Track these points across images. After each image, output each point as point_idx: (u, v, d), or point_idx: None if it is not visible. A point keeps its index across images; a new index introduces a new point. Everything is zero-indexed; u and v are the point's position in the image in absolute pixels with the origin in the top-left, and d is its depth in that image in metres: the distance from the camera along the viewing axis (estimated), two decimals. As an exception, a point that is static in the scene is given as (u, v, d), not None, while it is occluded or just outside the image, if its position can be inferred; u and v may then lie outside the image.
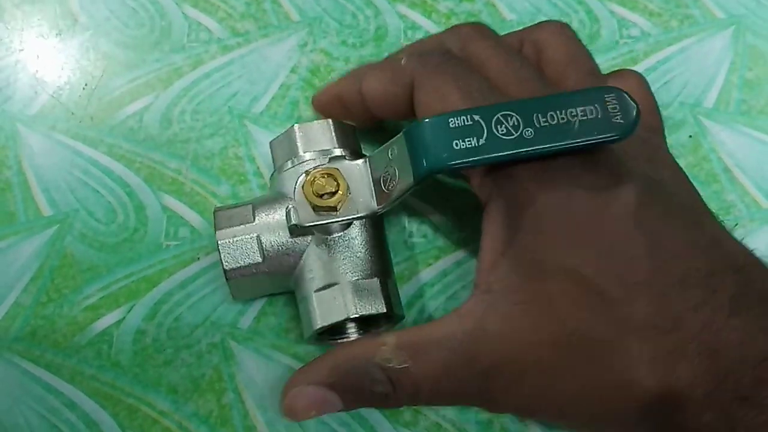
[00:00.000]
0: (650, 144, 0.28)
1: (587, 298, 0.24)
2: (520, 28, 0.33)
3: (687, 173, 0.34)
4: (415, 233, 0.34)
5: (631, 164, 0.26)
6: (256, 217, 0.29)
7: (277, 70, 0.37)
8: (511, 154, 0.24)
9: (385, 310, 0.28)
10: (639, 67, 0.37)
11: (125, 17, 0.38)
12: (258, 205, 0.29)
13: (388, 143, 0.27)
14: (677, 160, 0.34)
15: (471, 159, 0.24)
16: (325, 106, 0.34)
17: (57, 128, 0.35)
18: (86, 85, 0.37)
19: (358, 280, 0.28)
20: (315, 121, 0.31)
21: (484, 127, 0.24)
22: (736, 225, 0.33)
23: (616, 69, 0.32)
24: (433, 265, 0.33)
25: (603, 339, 0.23)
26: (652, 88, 0.36)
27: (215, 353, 0.31)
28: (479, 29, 0.31)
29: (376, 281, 0.28)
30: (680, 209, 0.26)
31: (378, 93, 0.30)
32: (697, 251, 0.24)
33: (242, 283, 0.29)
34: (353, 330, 0.31)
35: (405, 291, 0.32)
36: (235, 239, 0.29)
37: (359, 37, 0.38)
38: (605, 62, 0.37)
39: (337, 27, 0.38)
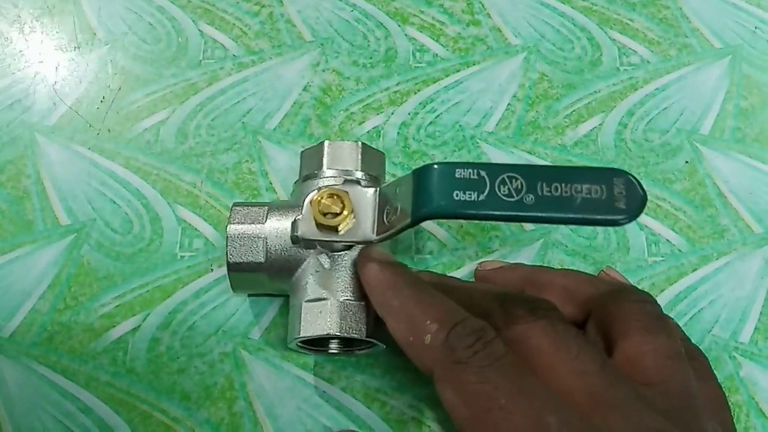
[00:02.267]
0: None
1: None
2: (525, 52, 0.34)
3: (682, 198, 0.36)
4: (423, 250, 0.35)
5: None
6: (268, 220, 0.30)
7: (290, 88, 0.38)
8: (507, 215, 0.25)
9: (364, 336, 0.29)
10: (638, 94, 0.38)
11: (143, 32, 0.39)
12: (273, 208, 0.31)
13: (399, 179, 0.28)
14: (673, 185, 0.36)
15: (468, 212, 0.25)
16: None
17: (75, 139, 0.36)
18: (104, 98, 0.38)
19: (347, 300, 0.29)
20: (346, 141, 0.32)
21: (488, 184, 0.25)
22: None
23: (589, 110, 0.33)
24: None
25: None
26: (652, 115, 0.37)
27: (227, 362, 0.32)
28: (532, 307, 0.27)
29: (363, 305, 0.29)
30: None
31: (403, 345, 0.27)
32: None
33: (242, 278, 0.30)
34: (334, 345, 0.32)
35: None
36: (243, 236, 0.30)
37: (370, 58, 0.39)
38: (606, 88, 0.38)
39: (348, 48, 0.39)
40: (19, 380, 0.32)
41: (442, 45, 0.39)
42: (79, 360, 0.32)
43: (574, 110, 0.38)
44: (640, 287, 0.34)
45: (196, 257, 0.34)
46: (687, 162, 0.37)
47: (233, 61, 0.39)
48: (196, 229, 0.35)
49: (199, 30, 0.39)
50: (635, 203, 0.24)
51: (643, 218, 0.35)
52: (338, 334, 0.28)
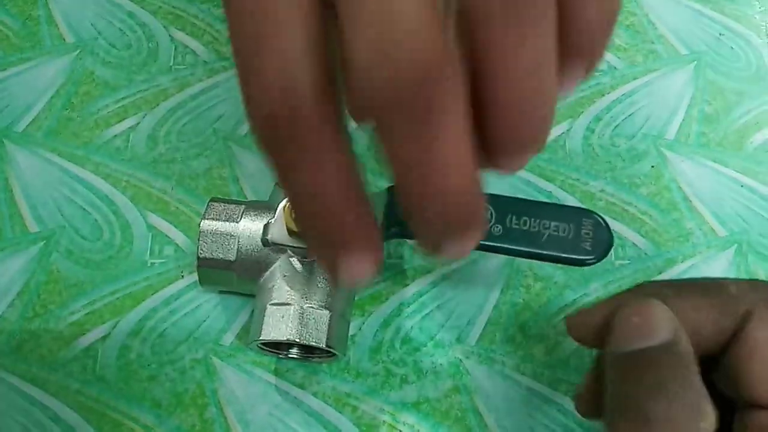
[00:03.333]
0: None
1: None
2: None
3: (648, 202, 0.36)
4: (393, 254, 0.35)
5: None
6: (243, 220, 0.30)
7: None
8: None
9: (324, 345, 0.29)
10: (605, 100, 0.39)
11: (112, 38, 0.39)
12: (249, 208, 0.31)
13: (375, 193, 0.28)
14: (639, 189, 0.36)
15: None
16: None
17: (44, 146, 0.36)
18: (73, 103, 0.37)
19: (311, 308, 0.29)
20: None
21: None
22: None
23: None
24: (408, 286, 0.34)
25: None
26: (619, 120, 0.38)
27: (198, 369, 0.32)
28: None
29: (326, 314, 0.29)
30: None
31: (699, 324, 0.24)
32: None
33: (210, 274, 0.31)
34: (295, 351, 0.32)
35: (383, 311, 0.34)
36: (216, 232, 0.30)
37: (341, 64, 0.39)
38: (573, 94, 0.39)
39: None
40: (-12, 389, 0.31)
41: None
42: (49, 368, 0.32)
43: (542, 116, 0.38)
44: (607, 290, 0.34)
45: (166, 264, 0.34)
46: (653, 167, 0.37)
47: (204, 67, 0.39)
48: (166, 235, 0.35)
49: (170, 35, 0.39)
50: (602, 246, 0.25)
51: (610, 222, 0.36)
52: (297, 340, 0.28)
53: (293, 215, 0.29)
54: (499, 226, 0.25)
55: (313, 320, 0.29)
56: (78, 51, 0.39)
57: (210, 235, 0.30)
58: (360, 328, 0.33)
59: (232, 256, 0.30)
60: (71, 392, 0.32)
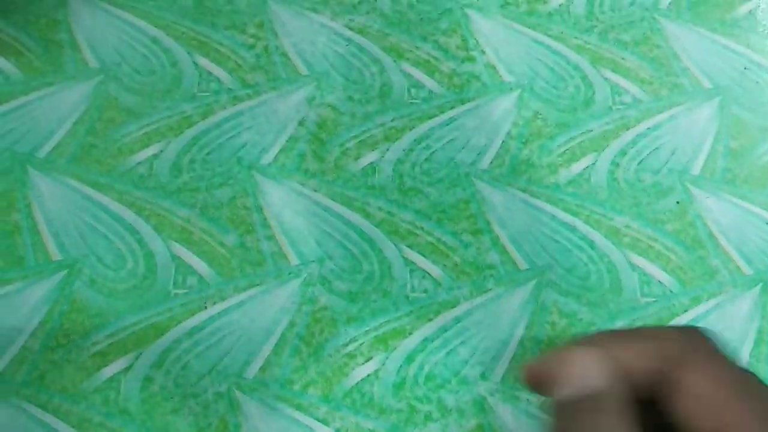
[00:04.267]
0: None
1: None
2: (518, 89, 0.34)
3: (674, 238, 0.36)
4: (417, 288, 0.35)
5: None
6: None
7: (285, 123, 0.38)
8: None
9: None
10: (630, 133, 0.39)
11: (136, 64, 0.39)
12: None
13: None
14: (665, 225, 0.36)
15: None
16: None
17: (67, 172, 0.36)
18: (96, 129, 0.37)
19: None
20: None
21: None
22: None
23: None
24: (433, 321, 0.34)
25: None
26: (644, 154, 0.38)
27: (221, 403, 0.32)
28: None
29: None
30: None
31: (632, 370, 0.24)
32: None
33: None
34: None
35: (405, 346, 0.33)
36: None
37: (365, 93, 0.39)
38: (598, 127, 0.39)
39: (343, 82, 0.39)
40: (8, 421, 0.31)
41: (436, 81, 0.40)
42: (71, 400, 0.32)
43: (567, 149, 0.38)
44: (632, 327, 0.34)
45: (189, 294, 0.34)
46: (678, 202, 0.37)
47: (228, 95, 0.38)
48: (190, 265, 0.34)
49: (194, 62, 0.39)
50: None
51: (636, 258, 0.36)
52: None
53: None
54: None
55: None
56: (101, 76, 0.39)
57: None
58: (383, 364, 0.33)
59: None
60: (94, 425, 0.31)
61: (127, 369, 0.32)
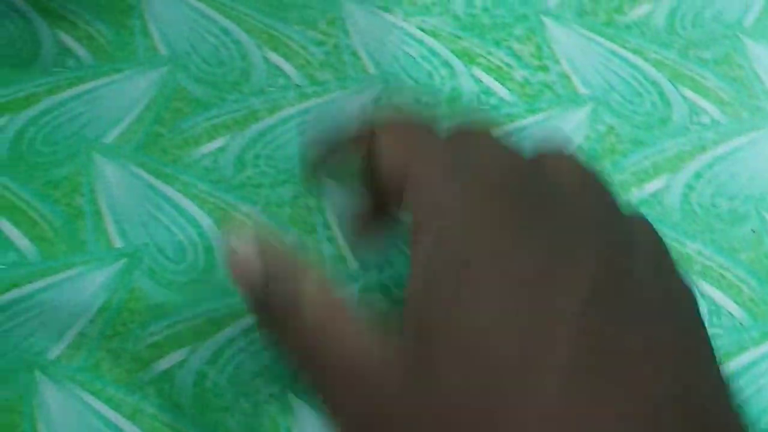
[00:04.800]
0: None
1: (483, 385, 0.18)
2: (592, 102, 0.33)
3: (747, 269, 0.35)
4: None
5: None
6: None
7: (351, 122, 0.37)
8: None
9: None
10: (707, 156, 0.37)
11: (206, 54, 0.39)
12: None
13: None
14: (738, 254, 0.35)
15: None
16: None
17: (133, 160, 0.36)
18: (164, 118, 0.37)
19: None
20: None
21: None
22: (793, 325, 0.34)
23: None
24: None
25: None
26: (720, 179, 0.36)
27: (274, 404, 0.32)
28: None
29: None
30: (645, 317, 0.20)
31: None
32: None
33: None
34: None
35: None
36: None
37: (433, 97, 0.38)
38: (674, 147, 0.37)
39: (412, 85, 0.39)
40: (63, 406, 0.31)
41: (508, 89, 0.39)
42: (126, 389, 0.32)
43: (640, 168, 0.37)
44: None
45: (247, 292, 0.34)
46: (753, 231, 0.36)
47: (296, 91, 0.38)
48: (249, 262, 0.34)
49: (264, 56, 0.39)
50: None
51: (706, 287, 0.34)
52: None
53: None
54: None
55: None
56: (170, 65, 0.38)
57: None
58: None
59: None
60: (146, 416, 0.31)
61: (182, 362, 0.32)
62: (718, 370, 0.20)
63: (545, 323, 0.19)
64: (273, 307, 0.22)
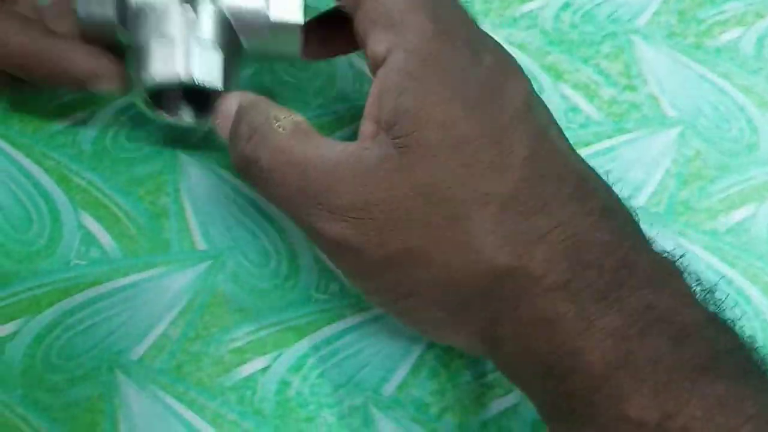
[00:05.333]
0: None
1: (462, 158, 0.24)
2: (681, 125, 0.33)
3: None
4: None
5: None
6: None
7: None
8: None
9: (221, 86, 0.28)
10: (792, 186, 0.37)
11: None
12: None
13: None
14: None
15: None
16: None
17: (218, 161, 0.36)
18: (248, 120, 0.37)
19: (205, 40, 0.28)
20: None
21: None
22: None
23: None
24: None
25: (465, 200, 0.24)
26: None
27: (356, 417, 0.31)
28: None
29: (220, 54, 0.28)
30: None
31: None
32: (575, 158, 0.26)
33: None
34: (184, 107, 0.31)
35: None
36: None
37: (520, 112, 0.38)
38: (762, 175, 0.37)
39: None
40: (145, 407, 0.31)
41: (595, 107, 0.38)
42: (207, 394, 0.31)
43: (727, 195, 0.36)
44: None
45: (330, 301, 0.33)
46: None
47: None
48: (332, 271, 0.34)
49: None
50: None
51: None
52: (192, 79, 0.28)
53: None
54: None
55: (208, 58, 0.28)
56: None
57: None
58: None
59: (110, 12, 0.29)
60: (227, 422, 0.31)
61: (265, 369, 0.32)
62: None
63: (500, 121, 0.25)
64: (245, 136, 0.27)
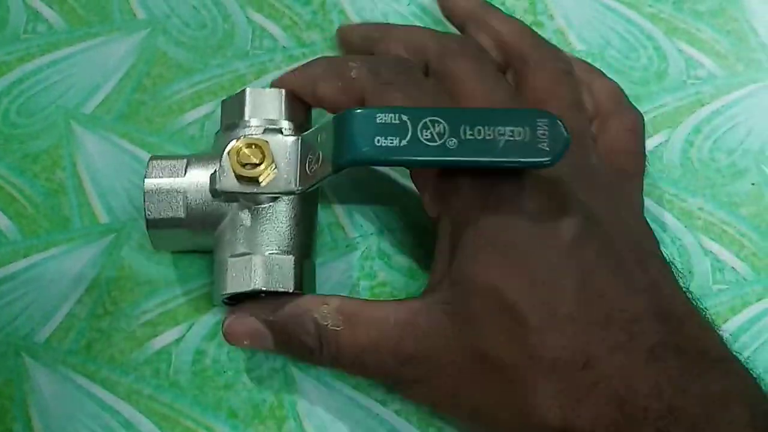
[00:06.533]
0: (617, 186, 0.29)
1: (507, 322, 0.25)
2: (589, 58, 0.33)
3: (748, 223, 0.34)
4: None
5: (581, 197, 0.27)
6: (188, 173, 0.29)
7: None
8: (430, 160, 0.25)
9: (292, 290, 0.28)
10: (705, 110, 0.37)
11: (187, 16, 0.37)
12: (193, 160, 0.29)
13: (319, 126, 0.27)
14: (739, 209, 0.35)
15: (390, 158, 0.25)
16: None
17: (114, 130, 0.34)
18: (145, 85, 0.35)
19: (273, 254, 0.28)
20: (269, 88, 0.31)
21: (410, 129, 0.25)
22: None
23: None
24: None
25: (513, 364, 0.25)
26: (719, 133, 0.36)
27: (276, 379, 0.31)
28: (464, 44, 0.31)
29: (290, 259, 0.28)
30: (623, 249, 0.26)
31: (330, 101, 0.30)
32: (628, 294, 0.25)
33: (163, 235, 0.30)
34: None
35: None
36: (161, 190, 0.29)
37: (427, 57, 0.37)
38: (672, 102, 0.37)
39: (404, 44, 0.37)
40: (56, 390, 0.30)
41: (502, 47, 0.37)
42: (120, 370, 0.30)
43: (639, 124, 0.36)
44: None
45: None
46: (753, 185, 0.35)
47: (283, 53, 0.36)
48: (243, 233, 0.33)
49: (247, 17, 0.37)
50: (559, 144, 0.24)
51: (708, 243, 0.34)
52: (265, 288, 0.28)
53: (239, 159, 0.28)
54: (454, 140, 0.24)
55: (278, 266, 0.28)
56: (149, 28, 0.37)
57: (155, 194, 0.29)
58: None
59: (181, 213, 0.29)
60: (143, 397, 0.30)
61: (179, 340, 0.31)
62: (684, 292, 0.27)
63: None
64: (310, 350, 0.28)
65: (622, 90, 0.33)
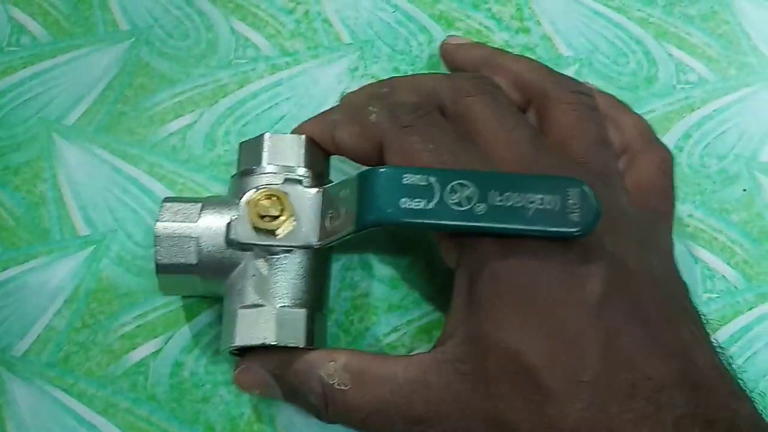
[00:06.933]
0: (647, 228, 0.28)
1: (525, 387, 0.23)
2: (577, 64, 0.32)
3: (739, 230, 0.34)
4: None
5: (610, 246, 0.25)
6: (201, 218, 0.28)
7: (326, 94, 0.36)
8: (456, 225, 0.24)
9: (303, 345, 0.27)
10: (696, 115, 0.36)
11: (170, 27, 0.37)
12: (207, 205, 0.28)
13: (343, 181, 0.27)
14: (730, 215, 0.34)
15: (415, 221, 0.24)
16: None
17: (95, 141, 0.34)
18: (127, 96, 0.35)
19: (285, 306, 0.27)
20: (289, 134, 0.30)
21: (436, 192, 0.24)
22: None
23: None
24: None
25: (531, 430, 0.23)
26: (709, 138, 0.35)
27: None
28: (477, 82, 0.29)
29: (302, 313, 0.27)
30: (652, 307, 0.25)
31: (349, 147, 0.29)
32: (655, 359, 0.24)
33: (172, 280, 0.29)
34: None
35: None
36: (173, 235, 0.28)
37: (411, 64, 0.37)
38: (662, 107, 0.36)
39: (389, 52, 0.37)
40: (32, 403, 0.30)
41: (488, 53, 0.37)
42: (97, 384, 0.30)
43: (627, 130, 0.35)
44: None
45: (223, 275, 0.32)
46: (744, 191, 0.35)
47: (266, 62, 0.36)
48: (223, 244, 0.32)
49: (231, 27, 0.37)
50: (590, 215, 0.24)
51: (698, 250, 0.33)
52: (274, 342, 0.26)
53: (258, 210, 0.27)
54: (483, 205, 0.24)
55: (289, 320, 0.27)
56: (132, 39, 0.36)
57: (167, 239, 0.28)
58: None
59: (193, 259, 0.28)
60: (120, 410, 0.30)
61: (157, 353, 0.31)
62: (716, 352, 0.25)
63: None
64: (318, 408, 0.27)
65: (650, 126, 0.32)
